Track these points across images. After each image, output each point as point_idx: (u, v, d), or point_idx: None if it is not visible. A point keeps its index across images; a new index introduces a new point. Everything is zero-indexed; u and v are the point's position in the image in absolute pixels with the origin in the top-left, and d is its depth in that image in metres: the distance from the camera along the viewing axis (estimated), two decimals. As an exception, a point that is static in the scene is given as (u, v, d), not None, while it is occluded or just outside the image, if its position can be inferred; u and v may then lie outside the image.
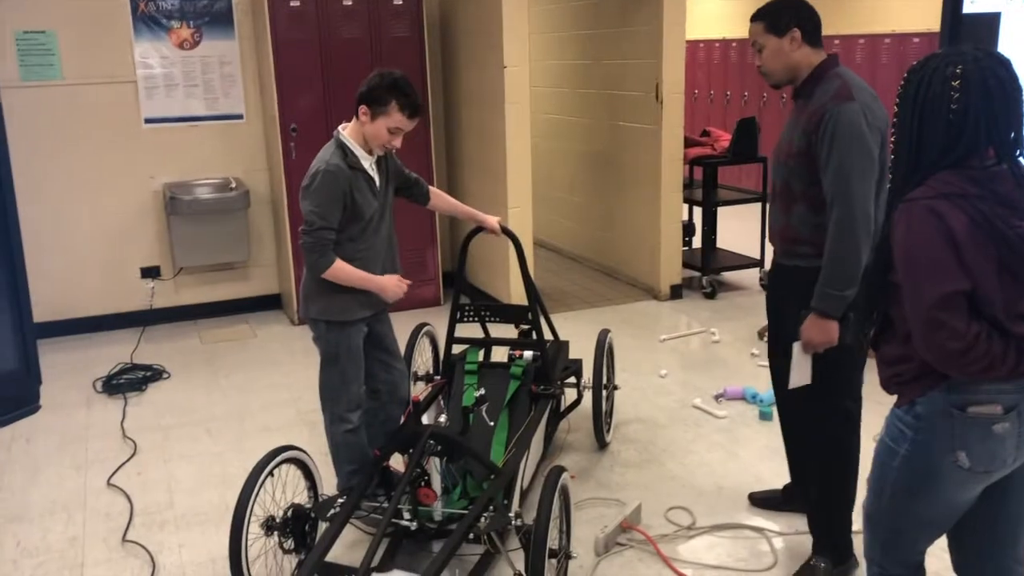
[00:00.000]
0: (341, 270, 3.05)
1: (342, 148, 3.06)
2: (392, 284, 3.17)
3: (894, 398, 2.08)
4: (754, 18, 2.87)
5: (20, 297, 4.60)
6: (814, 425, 2.96)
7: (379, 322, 3.30)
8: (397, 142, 3.08)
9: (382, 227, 3.22)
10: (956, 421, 1.92)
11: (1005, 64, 1.91)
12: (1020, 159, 1.93)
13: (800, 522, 3.27)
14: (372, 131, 3.04)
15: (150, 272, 5.95)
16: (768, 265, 3.18)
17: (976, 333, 1.83)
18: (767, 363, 3.26)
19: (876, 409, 3.94)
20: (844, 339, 2.72)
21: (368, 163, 3.11)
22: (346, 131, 3.10)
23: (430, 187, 3.52)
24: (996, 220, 1.83)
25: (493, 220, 3.61)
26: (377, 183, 3.16)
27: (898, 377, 2.02)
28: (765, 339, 5.21)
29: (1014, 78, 1.91)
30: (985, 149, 1.90)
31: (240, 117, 5.98)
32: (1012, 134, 1.91)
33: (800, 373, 2.81)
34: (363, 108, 3.02)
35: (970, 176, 1.88)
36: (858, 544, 3.10)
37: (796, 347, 2.79)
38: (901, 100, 1.97)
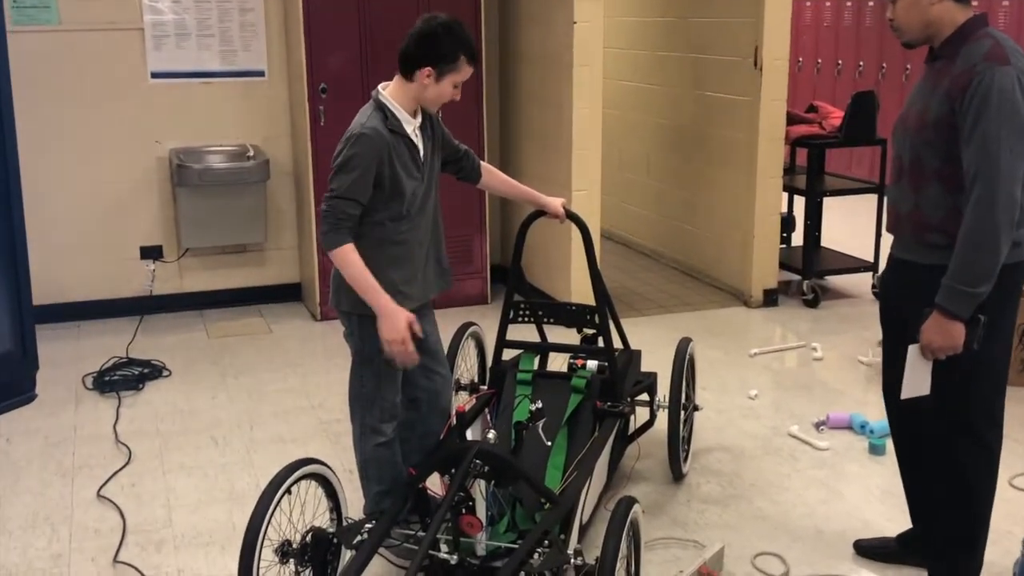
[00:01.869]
0: (349, 260, 3.02)
1: (382, 110, 3.08)
2: (398, 321, 3.01)
3: None
4: None
5: (19, 271, 4.72)
6: (938, 450, 2.95)
7: (421, 318, 3.29)
8: (459, 93, 3.16)
9: (428, 205, 3.23)
10: None
11: None
12: None
13: (917, 578, 3.23)
14: (437, 93, 3.09)
15: (151, 252, 6.06)
16: (883, 265, 3.16)
17: None
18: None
19: (1016, 449, 3.89)
20: (970, 345, 2.72)
21: (411, 128, 3.13)
22: (387, 91, 3.13)
23: (482, 162, 3.53)
24: None
25: (557, 202, 3.62)
26: (422, 152, 3.18)
27: None
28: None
29: None
30: None
31: (261, 74, 6.07)
32: None
33: (915, 381, 2.83)
34: (426, 70, 3.04)
35: None
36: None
37: (913, 350, 2.81)
38: None
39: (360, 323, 3.19)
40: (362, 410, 3.27)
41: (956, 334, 2.73)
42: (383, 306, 3.03)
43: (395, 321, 3.02)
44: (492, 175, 3.58)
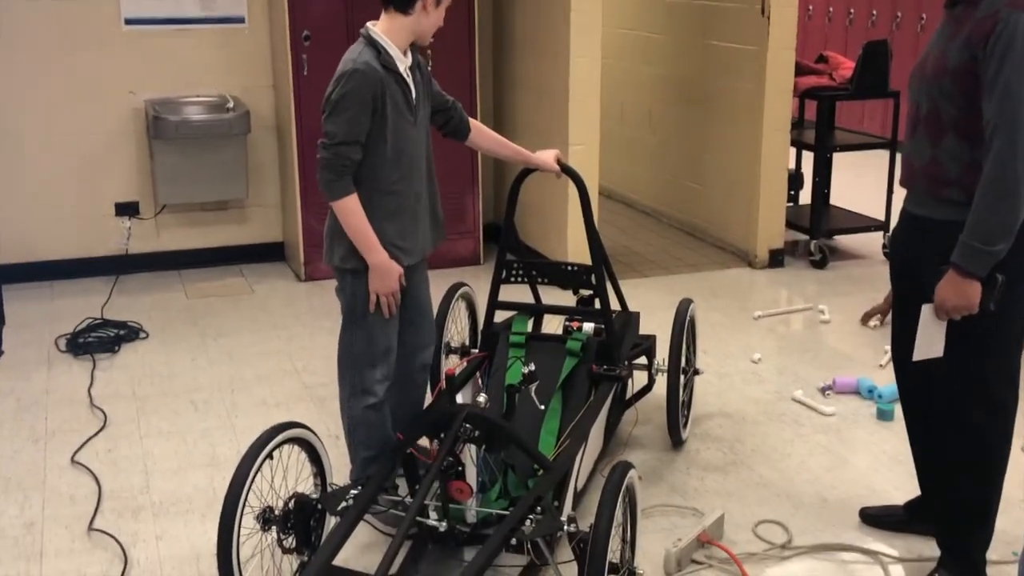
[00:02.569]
0: (351, 209, 3.10)
1: (374, 46, 3.10)
2: (391, 277, 3.15)
3: None
4: None
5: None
6: (951, 414, 2.96)
7: (415, 271, 3.34)
8: (442, 20, 3.23)
9: (420, 152, 3.25)
10: None
11: None
12: None
13: (925, 546, 3.26)
14: (434, 20, 3.18)
15: (126, 209, 6.05)
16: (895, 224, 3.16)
17: None
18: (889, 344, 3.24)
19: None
20: (986, 305, 2.73)
21: (403, 66, 3.16)
22: (377, 27, 3.15)
23: (471, 119, 3.54)
24: None
25: (550, 156, 3.63)
26: (414, 93, 3.20)
27: None
28: (872, 325, 5.18)
29: None
30: None
31: (241, 21, 6.03)
32: None
33: (928, 342, 2.84)
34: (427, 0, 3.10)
35: None
36: (997, 572, 3.09)
37: (926, 309, 2.82)
38: None
39: (353, 278, 3.22)
40: (351, 371, 3.29)
41: (972, 293, 2.73)
42: (379, 262, 3.13)
43: (388, 277, 3.15)
44: (481, 132, 3.59)
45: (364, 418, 3.30)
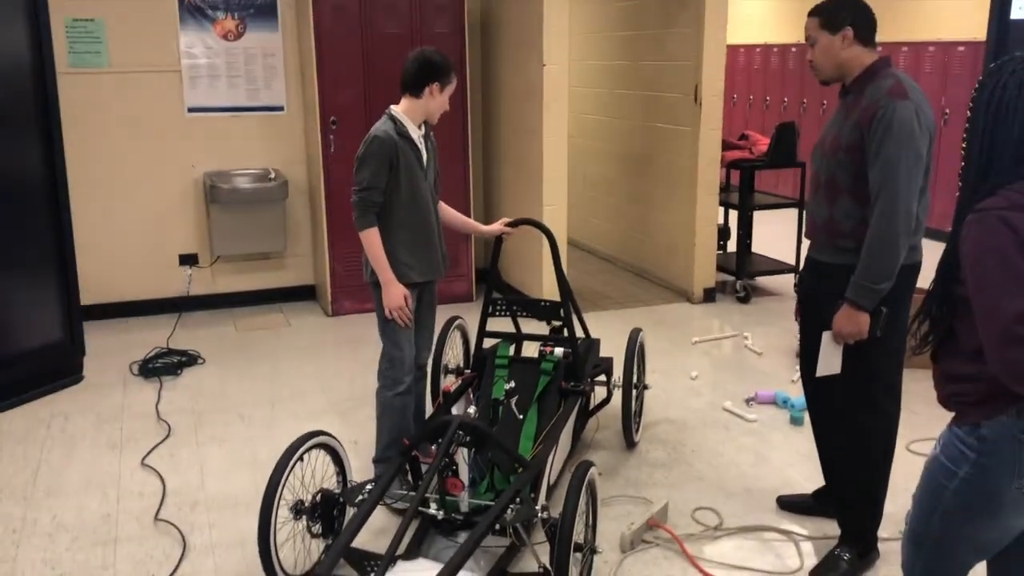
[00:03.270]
0: (371, 240, 3.31)
1: (392, 120, 3.32)
2: (396, 293, 3.32)
3: (938, 411, 2.02)
4: (811, 13, 2.89)
5: (68, 270, 4.72)
6: (847, 419, 2.97)
7: (423, 304, 3.53)
8: (448, 106, 3.43)
9: (429, 199, 3.42)
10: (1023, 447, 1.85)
11: None
12: None
13: (829, 527, 3.24)
14: (440, 103, 3.36)
15: (188, 259, 6.03)
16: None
17: None
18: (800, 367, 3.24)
19: (911, 420, 3.90)
20: (874, 332, 2.76)
21: (416, 135, 3.35)
22: (397, 108, 3.35)
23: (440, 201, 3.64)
24: None
25: (496, 226, 3.74)
26: (424, 156, 3.39)
27: (962, 397, 1.92)
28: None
29: None
30: None
31: (281, 109, 6.04)
32: None
33: (828, 362, 2.86)
34: (435, 86, 3.31)
35: None
36: (887, 548, 3.07)
37: (826, 335, 2.84)
38: (975, 104, 1.91)
39: (377, 289, 3.41)
40: (384, 364, 3.45)
41: (862, 323, 2.75)
42: (387, 280, 3.34)
43: (394, 293, 3.33)
44: (445, 208, 3.68)
45: (390, 403, 3.43)
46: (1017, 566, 2.06)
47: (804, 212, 3.21)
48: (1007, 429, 1.85)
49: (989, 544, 1.99)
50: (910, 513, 2.08)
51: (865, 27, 2.82)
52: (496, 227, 3.73)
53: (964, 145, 1.97)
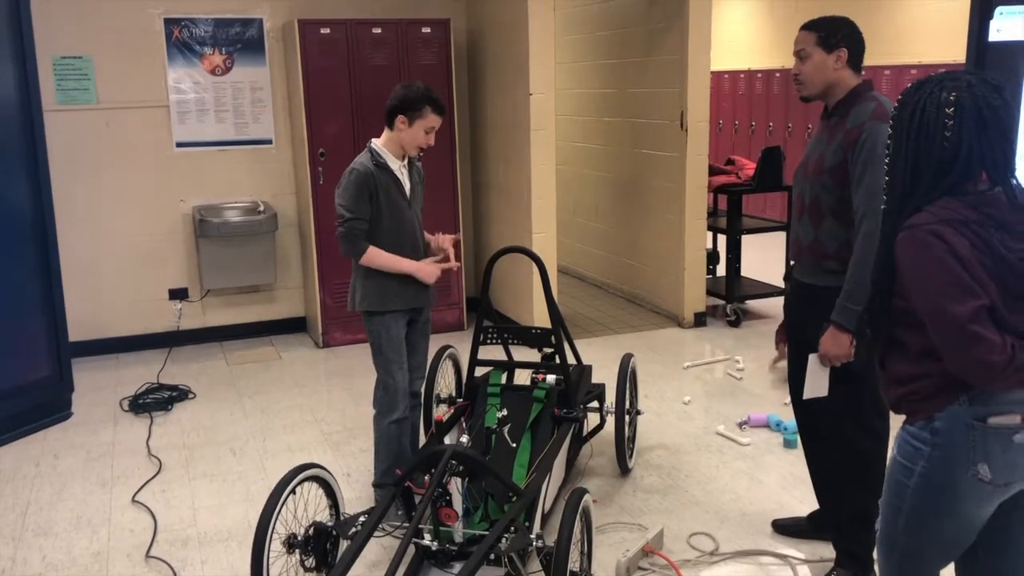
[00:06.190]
0: (376, 255, 3.37)
1: (371, 152, 3.40)
2: (425, 267, 3.45)
3: None
4: (808, 27, 2.89)
5: (55, 306, 4.71)
6: (836, 440, 2.97)
7: (416, 331, 3.59)
8: (432, 139, 3.44)
9: (414, 228, 3.48)
10: (977, 433, 1.93)
11: (999, 90, 1.95)
12: (1013, 181, 1.96)
13: (825, 550, 3.23)
14: (410, 136, 3.37)
15: (178, 294, 6.02)
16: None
17: (1011, 343, 1.85)
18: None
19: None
20: (859, 354, 2.74)
21: (396, 166, 3.42)
22: (377, 141, 3.43)
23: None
24: (996, 244, 1.87)
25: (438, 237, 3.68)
26: (407, 186, 3.46)
27: (914, 395, 2.01)
28: (780, 365, 5.19)
29: (1007, 104, 1.94)
30: (979, 174, 1.94)
31: (269, 142, 6.07)
32: (1005, 158, 1.95)
33: (815, 384, 2.86)
34: (401, 118, 3.35)
35: (968, 202, 1.92)
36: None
37: (812, 358, 2.84)
38: (896, 124, 2.02)
39: (368, 317, 3.47)
40: (379, 392, 3.50)
41: (848, 344, 2.75)
42: (412, 268, 3.43)
43: (425, 272, 3.45)
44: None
45: (387, 432, 3.48)
46: (986, 563, 2.08)
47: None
48: (959, 417, 1.94)
49: (955, 539, 2.03)
50: (879, 520, 2.12)
51: (858, 52, 2.86)
52: (436, 239, 3.63)
53: (887, 164, 2.04)
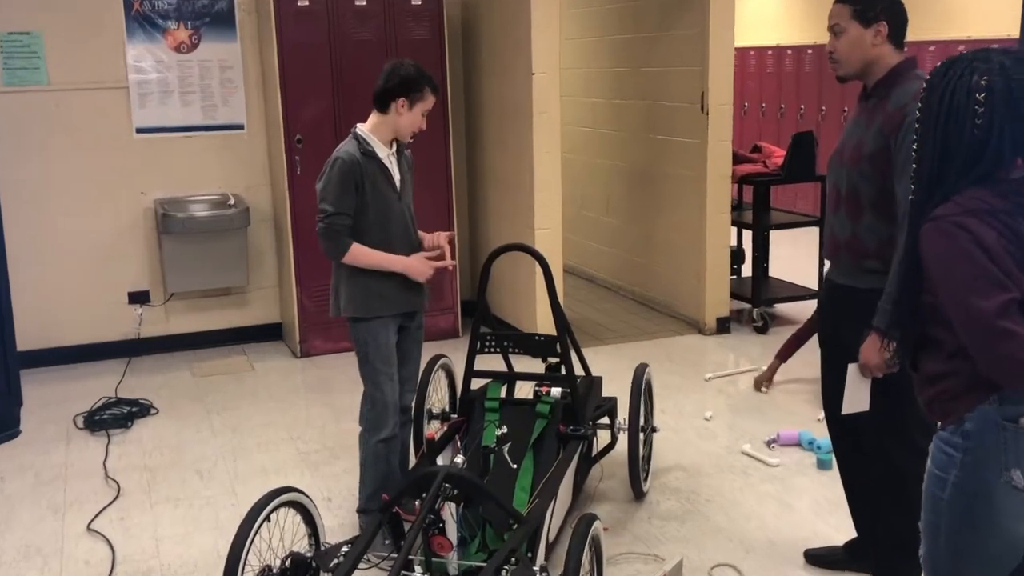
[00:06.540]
0: (360, 253, 3.37)
1: (356, 139, 3.40)
2: (416, 263, 3.45)
3: None
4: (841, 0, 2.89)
5: (1, 312, 4.72)
6: (879, 461, 2.97)
7: (408, 338, 3.59)
8: (425, 124, 3.49)
9: (405, 223, 3.48)
10: (1008, 435, 1.97)
11: None
12: None
13: (864, 583, 3.23)
14: (409, 120, 3.41)
15: (138, 297, 6.02)
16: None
17: None
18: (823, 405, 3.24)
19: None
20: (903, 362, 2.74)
21: (384, 154, 3.43)
22: (364, 126, 3.43)
23: None
24: None
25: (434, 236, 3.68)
26: (396, 177, 3.47)
27: (944, 395, 2.07)
28: (763, 390, 5.17)
29: None
30: (1012, 162, 1.99)
31: (241, 127, 6.08)
32: None
33: (855, 398, 2.86)
34: (401, 101, 3.37)
35: (998, 190, 1.97)
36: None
37: (852, 368, 2.84)
38: (923, 108, 2.06)
39: (354, 324, 3.47)
40: (366, 408, 3.50)
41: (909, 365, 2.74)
42: (403, 264, 3.44)
43: (415, 269, 3.46)
44: None
45: (374, 452, 3.48)
46: None
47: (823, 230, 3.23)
48: (990, 417, 1.99)
49: (999, 557, 2.06)
50: (921, 543, 2.14)
51: (899, 25, 2.87)
52: (431, 238, 3.64)
53: (914, 152, 2.08)
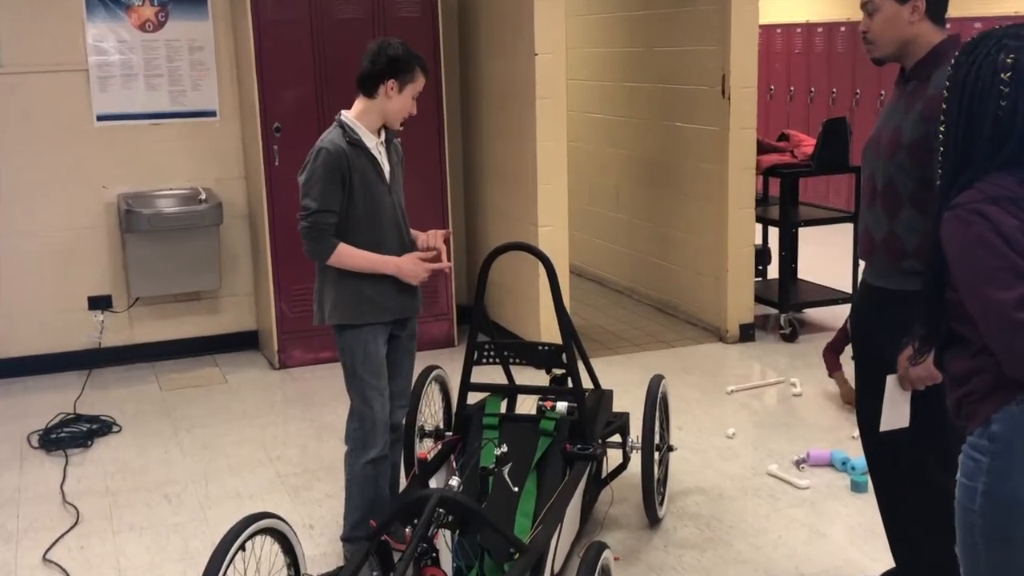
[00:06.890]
0: (347, 254, 3.39)
1: (342, 127, 3.42)
2: (409, 264, 3.47)
3: None
4: None
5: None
6: (919, 481, 2.97)
7: (400, 348, 3.62)
8: (415, 108, 3.51)
9: (395, 219, 3.51)
10: None
11: None
12: None
13: (902, 618, 3.24)
14: (399, 104, 3.44)
15: (99, 303, 6.03)
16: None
17: None
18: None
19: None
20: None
21: (372, 143, 3.45)
22: (349, 113, 3.46)
23: None
24: None
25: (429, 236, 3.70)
26: (386, 169, 3.50)
27: (971, 395, 2.11)
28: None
29: None
30: None
31: (213, 114, 6.10)
32: None
33: (894, 413, 2.86)
34: (391, 83, 3.40)
35: (1023, 177, 2.00)
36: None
37: (891, 381, 2.83)
38: (950, 88, 2.10)
39: (340, 332, 3.49)
40: (352, 424, 3.52)
41: (934, 363, 2.75)
42: (395, 266, 3.46)
43: (407, 270, 3.47)
44: None
45: (362, 473, 3.49)
46: None
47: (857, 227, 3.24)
48: (1017, 418, 2.04)
49: None
50: (961, 567, 2.16)
51: (939, 1, 2.87)
52: (425, 237, 3.65)
53: (940, 135, 2.12)
